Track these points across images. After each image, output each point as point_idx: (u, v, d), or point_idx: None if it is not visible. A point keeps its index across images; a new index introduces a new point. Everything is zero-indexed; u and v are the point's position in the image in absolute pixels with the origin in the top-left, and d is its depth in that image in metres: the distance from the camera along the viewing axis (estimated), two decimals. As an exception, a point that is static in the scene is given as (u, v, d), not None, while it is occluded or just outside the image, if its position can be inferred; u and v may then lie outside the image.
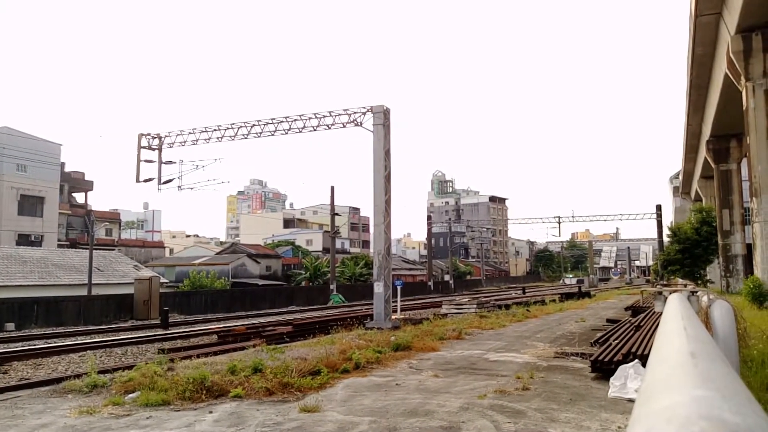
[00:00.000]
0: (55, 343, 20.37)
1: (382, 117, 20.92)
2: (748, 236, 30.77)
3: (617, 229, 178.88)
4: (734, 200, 31.11)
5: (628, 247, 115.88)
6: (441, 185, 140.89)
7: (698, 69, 26.07)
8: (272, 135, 24.39)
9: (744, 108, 19.90)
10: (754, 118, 19.37)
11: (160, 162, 27.20)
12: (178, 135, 26.23)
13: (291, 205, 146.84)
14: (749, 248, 30.41)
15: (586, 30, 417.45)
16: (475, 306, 24.34)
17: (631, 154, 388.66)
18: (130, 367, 10.77)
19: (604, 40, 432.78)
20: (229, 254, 61.67)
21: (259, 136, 24.74)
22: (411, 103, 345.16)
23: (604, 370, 9.11)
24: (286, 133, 24.06)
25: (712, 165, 32.24)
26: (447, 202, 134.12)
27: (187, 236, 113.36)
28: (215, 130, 25.30)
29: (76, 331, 24.97)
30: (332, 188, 46.15)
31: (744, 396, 0.89)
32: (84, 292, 33.91)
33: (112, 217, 65.03)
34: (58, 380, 10.65)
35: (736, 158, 31.13)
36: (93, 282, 34.71)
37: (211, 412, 7.39)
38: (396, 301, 23.48)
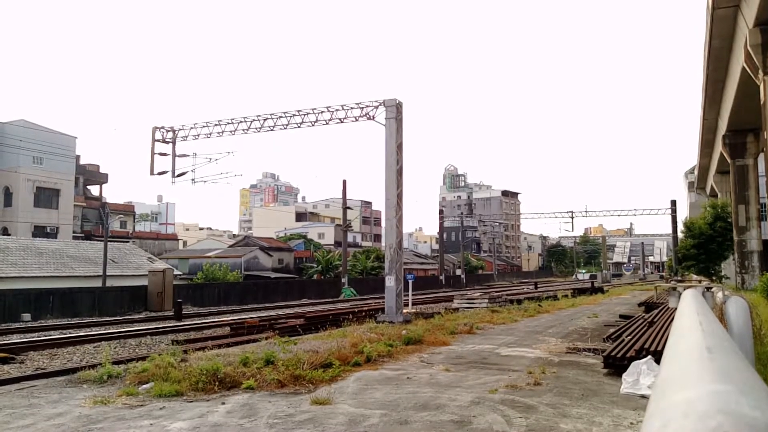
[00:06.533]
0: (70, 333, 20.63)
1: (395, 111, 20.85)
2: (765, 232, 30.47)
3: (631, 224, 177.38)
4: (750, 196, 30.69)
5: (642, 243, 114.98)
6: (453, 179, 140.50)
7: (715, 63, 25.69)
8: (285, 128, 24.40)
9: (761, 102, 19.59)
10: (772, 113, 19.07)
11: (174, 155, 27.33)
12: (192, 128, 26.34)
13: (303, 198, 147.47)
14: (765, 244, 30.10)
15: (601, 23, 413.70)
16: (486, 301, 24.31)
17: (645, 149, 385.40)
18: (143, 358, 10.88)
19: (619, 34, 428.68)
20: (241, 247, 62.06)
21: (271, 130, 24.78)
22: (423, 96, 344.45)
23: (616, 366, 9.08)
24: (299, 127, 24.08)
25: (728, 160, 31.82)
26: (459, 197, 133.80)
27: (201, 229, 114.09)
28: (228, 123, 25.38)
29: (91, 322, 25.27)
30: (344, 182, 46.21)
31: (762, 391, 0.88)
32: (99, 283, 34.30)
33: (127, 210, 65.64)
34: (73, 370, 10.78)
35: (752, 153, 30.69)
36: (108, 274, 35.09)
37: (223, 403, 7.45)
38: (407, 295, 23.49)
